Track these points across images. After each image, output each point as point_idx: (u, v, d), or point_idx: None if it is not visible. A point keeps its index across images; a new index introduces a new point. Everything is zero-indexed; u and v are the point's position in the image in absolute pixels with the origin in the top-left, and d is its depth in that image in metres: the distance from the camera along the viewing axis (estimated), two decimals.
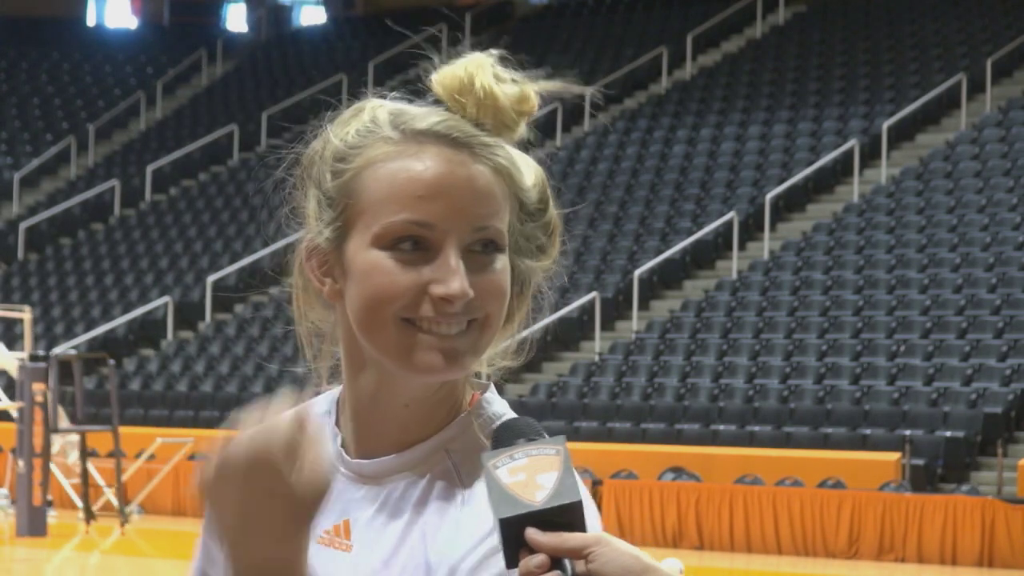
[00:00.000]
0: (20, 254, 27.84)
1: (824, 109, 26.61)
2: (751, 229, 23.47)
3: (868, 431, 17.55)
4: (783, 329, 20.44)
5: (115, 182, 28.78)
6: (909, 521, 15.42)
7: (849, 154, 24.20)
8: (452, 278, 1.31)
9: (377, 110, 1.37)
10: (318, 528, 1.34)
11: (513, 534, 1.25)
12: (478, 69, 1.36)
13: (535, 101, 1.40)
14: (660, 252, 22.81)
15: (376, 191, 1.33)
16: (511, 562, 1.25)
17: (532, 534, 1.24)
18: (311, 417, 1.29)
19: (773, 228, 23.23)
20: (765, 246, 22.85)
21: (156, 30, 34.29)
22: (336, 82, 27.91)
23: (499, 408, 1.42)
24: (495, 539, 1.27)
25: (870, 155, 24.40)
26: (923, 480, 16.61)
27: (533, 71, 1.41)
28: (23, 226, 28.04)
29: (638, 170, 25.64)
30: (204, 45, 32.96)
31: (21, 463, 15.50)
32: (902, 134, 24.94)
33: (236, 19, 34.79)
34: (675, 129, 26.65)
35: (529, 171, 1.40)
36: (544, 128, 24.45)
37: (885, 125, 24.43)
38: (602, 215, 24.38)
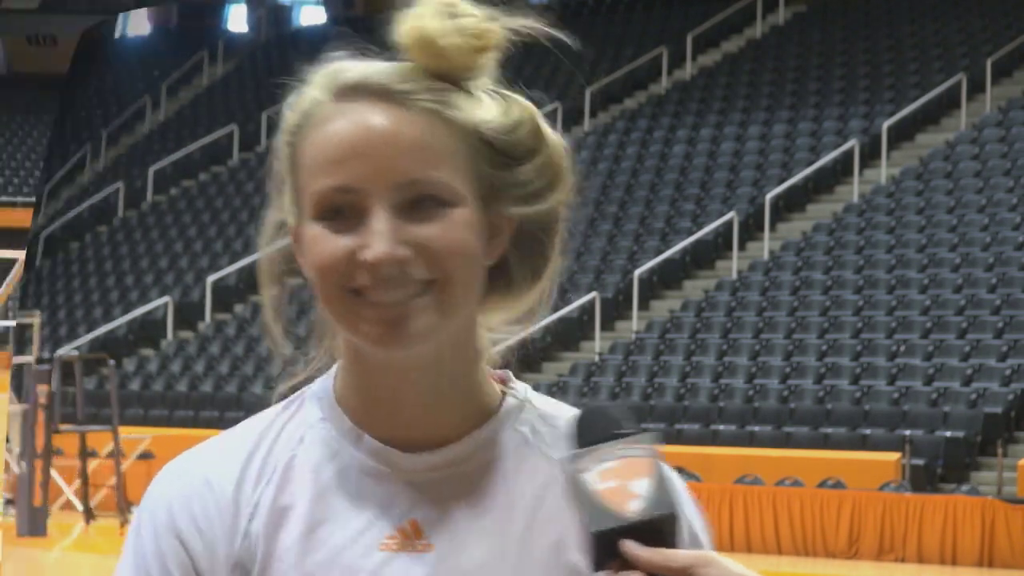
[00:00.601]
0: (37, 262, 27.97)
1: (824, 109, 26.61)
2: (751, 229, 23.49)
3: (868, 431, 17.57)
4: (783, 329, 20.46)
5: (119, 184, 28.93)
6: (909, 521, 15.43)
7: (849, 154, 24.21)
8: (376, 241, 1.20)
9: (307, 92, 1.27)
10: (369, 538, 1.25)
11: (604, 543, 1.14)
12: (421, 13, 1.23)
13: (493, 35, 1.26)
14: (660, 252, 22.86)
15: (308, 160, 1.24)
16: (597, 567, 1.15)
17: (632, 548, 1.14)
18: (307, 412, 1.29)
19: (773, 228, 23.24)
20: (765, 246, 22.86)
21: (163, 33, 34.70)
22: None
23: (532, 397, 1.34)
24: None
25: (870, 155, 24.40)
26: (923, 480, 16.62)
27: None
28: (43, 235, 28.30)
29: (638, 170, 25.55)
30: (206, 46, 33.00)
31: (23, 464, 15.56)
32: (902, 134, 24.93)
33: (237, 20, 34.79)
34: (675, 129, 26.65)
35: (494, 109, 1.27)
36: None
37: (885, 125, 24.43)
38: (602, 215, 24.38)
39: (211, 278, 24.35)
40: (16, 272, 37.27)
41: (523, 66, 22.35)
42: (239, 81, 32.49)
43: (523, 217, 1.26)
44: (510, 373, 1.34)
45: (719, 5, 28.95)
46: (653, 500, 1.15)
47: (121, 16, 34.28)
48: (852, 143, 24.30)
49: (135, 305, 24.90)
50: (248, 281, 23.45)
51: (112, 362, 18.48)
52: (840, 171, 24.38)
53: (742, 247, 22.64)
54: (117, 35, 34.55)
